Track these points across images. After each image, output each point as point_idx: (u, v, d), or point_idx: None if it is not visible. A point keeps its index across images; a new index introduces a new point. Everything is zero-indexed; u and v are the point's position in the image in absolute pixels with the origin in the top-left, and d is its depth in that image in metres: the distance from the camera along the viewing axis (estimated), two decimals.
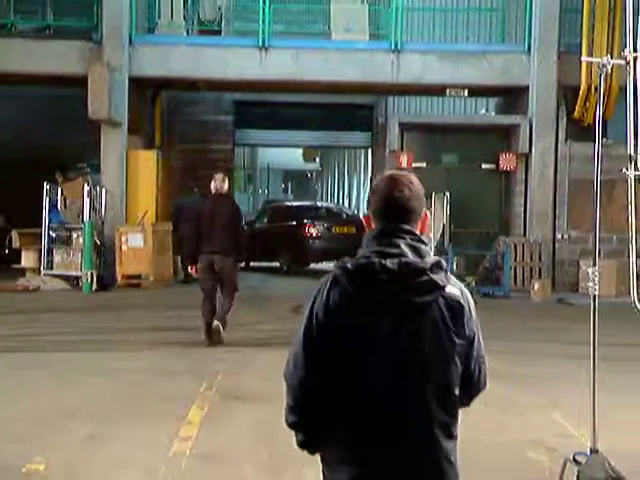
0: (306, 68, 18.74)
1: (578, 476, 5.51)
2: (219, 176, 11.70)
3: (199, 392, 8.69)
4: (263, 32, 18.73)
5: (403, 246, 2.81)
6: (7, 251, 17.78)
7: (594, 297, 5.59)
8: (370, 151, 24.49)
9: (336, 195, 44.78)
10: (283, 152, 43.34)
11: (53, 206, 17.56)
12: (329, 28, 19.69)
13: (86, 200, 17.05)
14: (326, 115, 23.56)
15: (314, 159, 52.03)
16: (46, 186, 17.43)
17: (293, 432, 2.94)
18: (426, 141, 19.65)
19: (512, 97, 19.90)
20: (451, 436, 2.85)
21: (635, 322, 10.37)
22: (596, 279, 5.56)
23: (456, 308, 2.83)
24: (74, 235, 17.21)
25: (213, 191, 11.54)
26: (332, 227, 21.44)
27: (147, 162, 18.82)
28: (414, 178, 3.00)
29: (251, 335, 12.44)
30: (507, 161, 19.04)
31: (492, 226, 19.36)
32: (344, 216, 22.91)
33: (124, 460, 6.63)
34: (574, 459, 5.69)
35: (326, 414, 2.83)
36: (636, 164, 5.40)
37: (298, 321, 2.93)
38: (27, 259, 17.57)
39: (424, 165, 19.37)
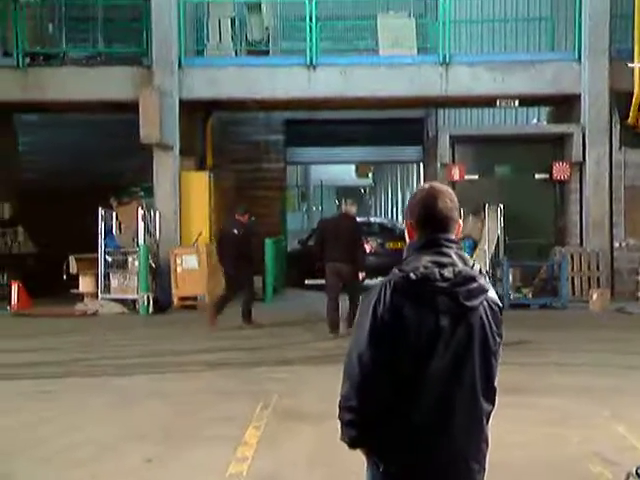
0: (354, 84, 18.76)
1: None
2: (349, 200, 14.82)
3: (256, 412, 8.70)
4: (310, 50, 18.78)
5: (453, 255, 3.18)
6: (65, 277, 18.01)
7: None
8: (422, 165, 24.37)
9: (390, 210, 44.71)
10: (336, 169, 43.43)
11: (109, 231, 17.76)
12: (376, 44, 19.68)
13: (140, 224, 17.20)
14: (376, 130, 23.52)
15: (367, 175, 52.02)
16: (101, 211, 17.64)
17: (344, 431, 3.17)
18: (478, 153, 19.53)
19: (564, 106, 19.71)
20: (488, 422, 3.26)
21: None
22: None
23: (496, 310, 3.23)
24: (130, 259, 17.38)
25: (343, 211, 14.63)
26: (385, 242, 21.36)
27: (199, 183, 18.94)
28: (450, 189, 3.36)
29: (306, 354, 12.42)
30: (561, 170, 18.85)
31: (547, 236, 19.15)
32: (397, 231, 22.83)
33: None
34: (637, 473, 5.57)
35: (385, 410, 3.10)
36: None
37: (351, 337, 3.18)
38: (85, 284, 17.78)
39: (476, 177, 19.26)
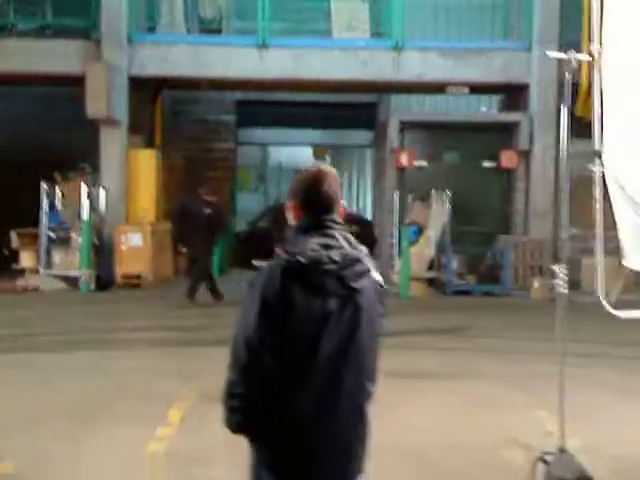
0: (306, 66, 18.68)
1: (546, 476, 5.45)
2: None
3: (183, 392, 8.66)
4: (263, 31, 18.66)
5: (339, 237, 3.18)
6: (7, 252, 17.79)
7: (561, 295, 5.53)
8: (373, 150, 24.36)
9: (346, 194, 44.64)
10: (294, 151, 43.24)
11: (51, 206, 17.55)
12: (330, 26, 19.60)
13: (84, 200, 17.01)
14: (329, 114, 23.49)
15: (324, 158, 51.92)
16: (44, 186, 17.42)
17: (228, 417, 3.10)
18: (427, 139, 19.56)
19: (514, 94, 19.79)
20: (370, 404, 3.25)
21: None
22: (563, 276, 5.50)
23: (380, 291, 3.27)
24: (73, 235, 17.19)
25: None
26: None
27: (147, 161, 18.78)
28: (334, 172, 3.33)
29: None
30: (508, 159, 18.94)
31: (493, 224, 19.24)
32: (348, 215, 22.78)
33: (96, 459, 6.60)
34: (542, 458, 5.63)
35: (273, 395, 3.07)
36: (601, 159, 5.33)
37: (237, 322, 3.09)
38: (25, 259, 17.57)
39: (425, 163, 19.29)
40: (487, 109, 22.26)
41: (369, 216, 25.20)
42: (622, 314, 5.37)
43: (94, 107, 16.96)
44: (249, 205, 32.39)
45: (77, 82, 17.44)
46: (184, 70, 18.70)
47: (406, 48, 18.75)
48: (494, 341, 12.42)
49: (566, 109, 5.62)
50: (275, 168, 51.10)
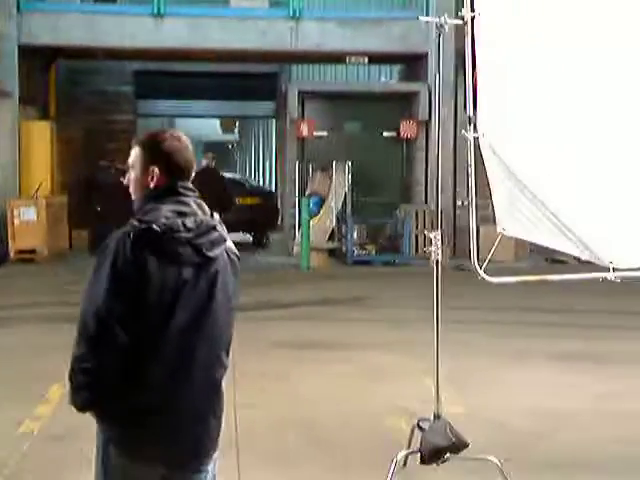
0: (203, 36, 18.36)
1: (421, 442, 5.44)
2: (210, 154, 16.49)
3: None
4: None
5: (193, 204, 3.08)
6: None
7: (437, 262, 5.51)
8: (274, 120, 24.21)
9: (252, 166, 44.42)
10: (202, 123, 42.76)
11: None
12: None
13: None
14: (230, 84, 23.16)
15: (232, 130, 51.47)
16: None
17: (75, 394, 2.97)
18: (327, 109, 19.47)
19: (413, 64, 19.81)
20: (224, 376, 3.19)
21: (532, 287, 10.53)
22: (438, 243, 5.47)
23: (234, 259, 3.18)
24: None
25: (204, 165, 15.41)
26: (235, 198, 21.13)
27: (41, 133, 18.29)
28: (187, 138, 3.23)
29: None
30: (408, 129, 18.96)
31: (394, 194, 19.28)
32: (247, 187, 22.64)
33: None
34: (418, 425, 5.62)
35: (123, 369, 2.94)
36: (475, 126, 5.29)
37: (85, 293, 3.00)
38: None
39: (325, 134, 19.21)
40: (387, 79, 22.26)
41: (273, 188, 25.15)
42: (494, 280, 5.36)
43: None
44: None
45: None
46: (77, 39, 18.22)
47: (304, 18, 18.57)
48: (391, 311, 12.44)
49: (440, 77, 5.55)
50: None
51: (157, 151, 3.14)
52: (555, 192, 5.19)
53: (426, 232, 6.26)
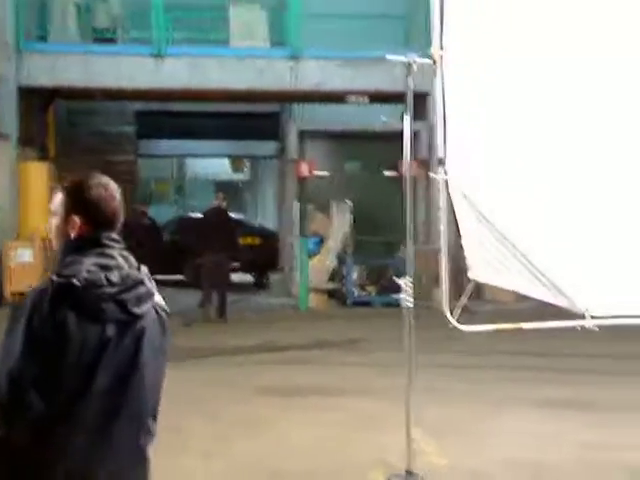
0: (202, 76, 18.29)
1: None
2: (220, 194, 16.60)
3: None
4: (158, 40, 18.24)
5: (118, 257, 2.86)
6: None
7: (408, 308, 5.30)
8: (277, 161, 24.10)
9: (259, 206, 44.32)
10: (212, 162, 42.79)
11: None
12: (229, 35, 19.28)
13: None
14: (233, 124, 23.12)
15: (243, 169, 51.43)
16: None
17: None
18: (328, 149, 19.36)
19: (415, 103, 19.61)
20: (151, 443, 2.93)
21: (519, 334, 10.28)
22: (409, 290, 5.26)
23: (164, 316, 2.92)
24: None
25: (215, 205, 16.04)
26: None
27: (39, 174, 18.14)
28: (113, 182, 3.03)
29: None
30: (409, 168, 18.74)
31: (395, 234, 19.03)
32: (249, 227, 22.48)
33: None
34: None
35: (37, 434, 2.72)
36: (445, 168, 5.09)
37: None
38: None
39: (326, 173, 19.05)
40: (387, 118, 22.08)
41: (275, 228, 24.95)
42: (465, 328, 5.14)
43: None
44: (167, 217, 31.89)
45: None
46: (75, 80, 18.16)
47: (304, 57, 18.49)
48: (386, 355, 12.08)
49: (408, 117, 5.37)
50: (192, 180, 50.64)
51: (80, 199, 2.91)
52: (526, 234, 4.99)
53: (395, 278, 6.02)
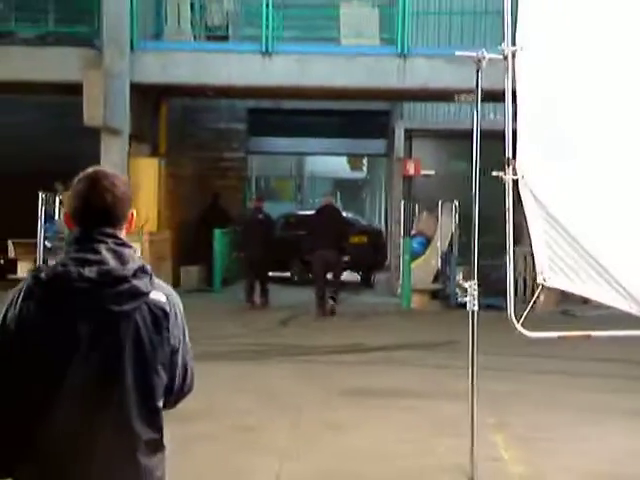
0: (310, 74, 18.30)
1: None
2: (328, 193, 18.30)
3: None
4: (267, 38, 18.36)
5: (104, 252, 2.72)
6: (3, 261, 17.64)
7: (473, 312, 5.15)
8: (386, 159, 23.96)
9: (373, 204, 44.31)
10: (330, 160, 42.98)
11: (49, 216, 17.33)
12: (338, 33, 19.25)
13: None
14: (342, 122, 23.09)
15: (361, 168, 51.44)
16: (42, 196, 17.19)
17: None
18: (434, 148, 19.15)
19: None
20: (157, 450, 2.78)
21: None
22: (475, 293, 5.11)
23: (160, 315, 2.76)
24: None
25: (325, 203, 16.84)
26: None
27: (149, 170, 18.53)
28: (120, 178, 2.86)
29: (220, 349, 12.04)
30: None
31: (502, 235, 18.68)
32: (357, 226, 22.40)
33: None
34: None
35: (19, 432, 2.66)
36: (514, 167, 4.93)
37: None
38: (23, 269, 17.38)
39: (432, 172, 18.85)
40: (495, 116, 21.69)
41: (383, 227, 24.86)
42: (531, 334, 4.97)
43: (91, 115, 16.71)
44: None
45: (80, 90, 17.23)
46: (186, 77, 18.42)
47: (412, 55, 18.29)
48: (481, 357, 11.91)
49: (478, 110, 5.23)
50: (311, 178, 51.00)
51: (69, 194, 2.88)
52: (598, 239, 4.79)
53: (461, 282, 5.84)
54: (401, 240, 18.25)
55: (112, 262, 2.72)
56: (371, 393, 9.50)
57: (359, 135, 23.63)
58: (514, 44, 4.93)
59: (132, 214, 2.90)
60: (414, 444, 7.58)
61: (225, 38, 19.93)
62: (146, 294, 2.73)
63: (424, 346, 12.77)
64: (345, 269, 18.99)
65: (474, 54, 5.08)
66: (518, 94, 4.94)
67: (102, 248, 2.74)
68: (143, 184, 18.35)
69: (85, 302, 2.66)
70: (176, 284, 18.75)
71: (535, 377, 10.60)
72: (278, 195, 44.25)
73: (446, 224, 17.97)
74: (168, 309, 2.79)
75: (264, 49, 18.31)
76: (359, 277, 21.99)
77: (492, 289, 17.56)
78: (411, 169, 18.52)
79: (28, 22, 18.97)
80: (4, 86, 18.55)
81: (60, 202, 17.70)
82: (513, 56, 4.93)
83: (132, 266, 2.74)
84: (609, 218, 4.82)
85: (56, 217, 17.50)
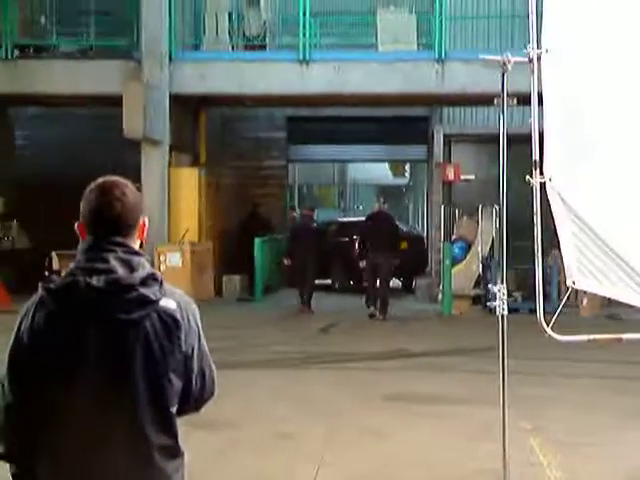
0: (347, 81, 18.33)
1: None
2: (381, 199, 18.02)
3: None
4: (304, 46, 18.43)
5: (113, 260, 2.74)
6: (47, 273, 17.83)
7: (502, 317, 5.13)
8: (427, 164, 23.86)
9: (415, 210, 44.19)
10: (374, 167, 42.98)
11: None
12: (376, 39, 19.26)
13: None
14: (382, 129, 23.04)
15: (403, 174, 51.37)
16: None
17: None
18: (474, 153, 19.06)
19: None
20: (173, 456, 2.79)
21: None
22: (504, 297, 5.09)
23: (170, 323, 2.76)
24: None
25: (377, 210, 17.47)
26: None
27: (189, 180, 18.69)
28: (129, 187, 2.88)
29: (260, 357, 12.10)
30: None
31: (544, 239, 18.55)
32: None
33: None
34: None
35: (32, 439, 2.71)
36: (541, 170, 4.91)
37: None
38: None
39: (472, 177, 18.78)
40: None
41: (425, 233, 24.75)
42: (561, 338, 4.94)
43: (131, 127, 16.88)
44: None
45: (121, 102, 17.41)
46: (225, 87, 18.57)
47: (449, 59, 18.26)
48: (520, 363, 11.83)
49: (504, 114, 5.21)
50: (353, 185, 51.05)
51: (81, 204, 2.88)
52: (627, 241, 4.73)
53: (490, 286, 5.79)
54: (441, 245, 18.21)
55: (120, 270, 2.73)
56: (411, 399, 9.49)
57: (399, 141, 23.57)
58: (539, 47, 4.90)
59: (144, 222, 2.93)
60: (453, 450, 7.56)
61: (263, 47, 20.01)
62: (155, 302, 2.74)
63: (465, 352, 12.72)
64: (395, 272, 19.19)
65: (499, 58, 5.04)
66: (544, 97, 4.92)
67: (111, 257, 2.75)
68: (184, 194, 18.54)
69: (93, 311, 2.68)
70: (218, 293, 18.89)
71: (574, 381, 10.53)
72: (320, 202, 44.35)
73: (486, 229, 17.90)
74: (179, 316, 2.79)
75: (302, 57, 18.40)
76: (400, 283, 21.95)
77: (533, 293, 17.57)
78: (450, 174, 18.46)
79: (69, 36, 19.20)
80: (46, 99, 18.86)
81: None
82: (538, 59, 4.89)
83: (140, 274, 2.76)
84: (637, 218, 4.78)
85: None
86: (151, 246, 17.60)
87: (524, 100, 19.00)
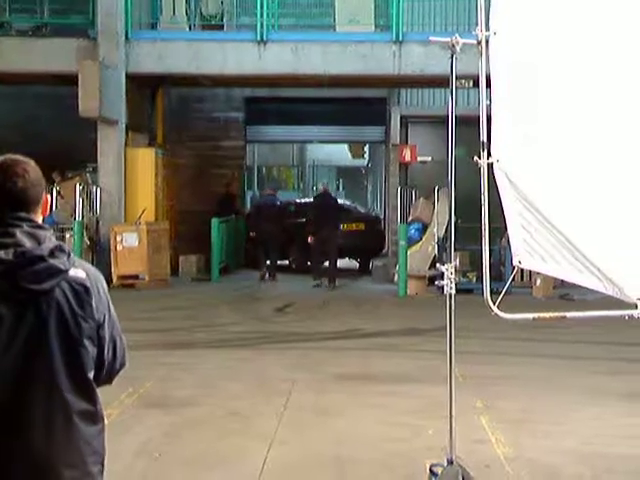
0: (305, 62, 18.34)
1: None
2: (324, 181, 20.89)
3: (120, 399, 8.35)
4: (262, 26, 18.38)
5: (19, 234, 2.82)
6: None
7: (450, 295, 5.20)
8: (384, 146, 23.94)
9: (374, 192, 44.30)
10: (333, 149, 42.91)
11: None
12: (334, 20, 19.28)
13: (78, 199, 16.88)
14: (339, 109, 23.05)
15: (362, 155, 51.39)
16: None
17: None
18: (431, 134, 19.15)
19: None
20: (94, 421, 2.89)
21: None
22: (452, 277, 5.16)
23: (81, 291, 2.87)
24: (67, 235, 17.04)
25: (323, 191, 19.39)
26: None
27: (145, 160, 18.60)
28: (31, 164, 2.97)
29: (216, 337, 12.13)
30: None
31: (498, 220, 18.72)
32: (354, 213, 22.45)
33: None
34: (431, 470, 5.29)
35: None
36: (489, 151, 4.98)
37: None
38: None
39: (429, 159, 18.88)
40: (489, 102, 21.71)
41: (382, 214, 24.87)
42: (506, 316, 5.03)
43: (86, 106, 16.74)
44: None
45: (76, 81, 17.27)
46: (182, 67, 18.49)
47: (407, 41, 18.32)
48: (475, 342, 11.99)
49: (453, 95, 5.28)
50: (313, 166, 51.00)
51: None
52: (573, 221, 4.82)
53: (438, 265, 5.86)
54: (398, 226, 18.32)
55: (28, 243, 2.80)
56: (364, 378, 9.57)
57: (357, 122, 23.60)
58: (488, 29, 4.96)
59: (46, 199, 3.02)
60: (404, 428, 7.64)
61: (220, 27, 19.95)
62: (65, 271, 2.82)
63: (418, 332, 12.85)
64: (343, 256, 19.54)
65: (447, 39, 5.10)
66: (492, 79, 4.98)
67: (17, 231, 2.82)
68: (140, 174, 18.46)
69: (4, 284, 2.75)
70: (175, 274, 18.87)
71: (530, 360, 10.68)
72: (280, 184, 44.32)
73: (442, 210, 17.99)
74: (89, 284, 2.88)
75: (259, 38, 18.36)
76: (357, 264, 22.06)
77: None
78: (407, 155, 18.57)
79: (23, 13, 18.99)
80: (0, 76, 18.61)
81: (58, 192, 17.80)
82: (487, 41, 4.95)
83: (48, 245, 2.83)
84: (583, 199, 4.86)
85: (54, 208, 17.57)
86: (109, 225, 17.57)
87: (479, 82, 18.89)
